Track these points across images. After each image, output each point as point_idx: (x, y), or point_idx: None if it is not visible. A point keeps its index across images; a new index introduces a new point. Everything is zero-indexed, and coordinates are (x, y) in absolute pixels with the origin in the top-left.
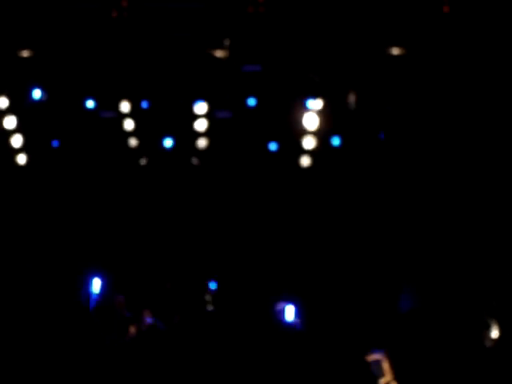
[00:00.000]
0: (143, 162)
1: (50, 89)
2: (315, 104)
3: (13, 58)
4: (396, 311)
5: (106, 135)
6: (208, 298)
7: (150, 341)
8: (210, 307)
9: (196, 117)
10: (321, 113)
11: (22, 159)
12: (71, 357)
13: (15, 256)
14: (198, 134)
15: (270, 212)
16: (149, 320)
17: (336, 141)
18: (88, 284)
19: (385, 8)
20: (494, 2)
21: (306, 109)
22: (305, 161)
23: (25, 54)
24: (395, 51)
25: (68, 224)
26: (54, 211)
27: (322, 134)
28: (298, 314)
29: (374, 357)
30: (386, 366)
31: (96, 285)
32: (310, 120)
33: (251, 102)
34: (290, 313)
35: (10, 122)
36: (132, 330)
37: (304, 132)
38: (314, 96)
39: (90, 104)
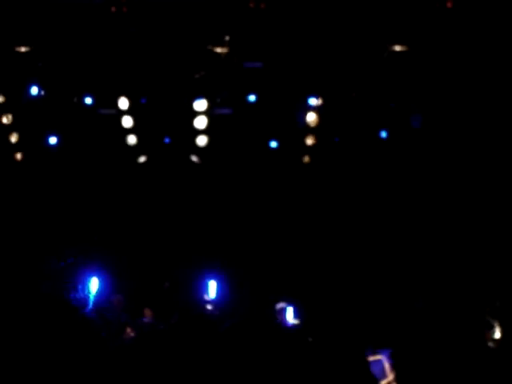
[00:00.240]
0: (142, 159)
1: (48, 86)
2: (316, 101)
3: (11, 54)
4: (396, 311)
5: (104, 132)
6: (207, 297)
7: (148, 340)
8: (209, 307)
9: (196, 113)
10: (322, 109)
11: (19, 156)
12: (71, 357)
13: (12, 254)
14: (198, 131)
15: (270, 209)
16: (148, 319)
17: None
18: (87, 284)
19: (388, 4)
20: None
21: (307, 105)
22: (305, 158)
23: (23, 50)
24: (398, 47)
25: (66, 222)
26: (53, 209)
27: (323, 131)
28: (297, 314)
29: (375, 357)
30: (387, 366)
31: (95, 284)
32: (311, 117)
33: (252, 98)
34: (289, 313)
35: (8, 119)
36: (131, 329)
37: (305, 129)
38: (316, 92)
39: (89, 101)
